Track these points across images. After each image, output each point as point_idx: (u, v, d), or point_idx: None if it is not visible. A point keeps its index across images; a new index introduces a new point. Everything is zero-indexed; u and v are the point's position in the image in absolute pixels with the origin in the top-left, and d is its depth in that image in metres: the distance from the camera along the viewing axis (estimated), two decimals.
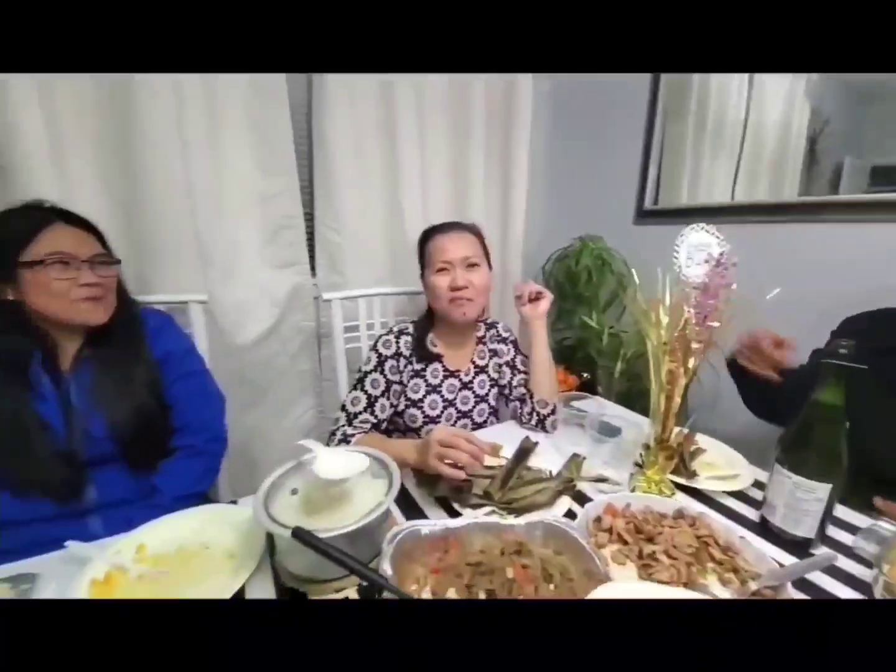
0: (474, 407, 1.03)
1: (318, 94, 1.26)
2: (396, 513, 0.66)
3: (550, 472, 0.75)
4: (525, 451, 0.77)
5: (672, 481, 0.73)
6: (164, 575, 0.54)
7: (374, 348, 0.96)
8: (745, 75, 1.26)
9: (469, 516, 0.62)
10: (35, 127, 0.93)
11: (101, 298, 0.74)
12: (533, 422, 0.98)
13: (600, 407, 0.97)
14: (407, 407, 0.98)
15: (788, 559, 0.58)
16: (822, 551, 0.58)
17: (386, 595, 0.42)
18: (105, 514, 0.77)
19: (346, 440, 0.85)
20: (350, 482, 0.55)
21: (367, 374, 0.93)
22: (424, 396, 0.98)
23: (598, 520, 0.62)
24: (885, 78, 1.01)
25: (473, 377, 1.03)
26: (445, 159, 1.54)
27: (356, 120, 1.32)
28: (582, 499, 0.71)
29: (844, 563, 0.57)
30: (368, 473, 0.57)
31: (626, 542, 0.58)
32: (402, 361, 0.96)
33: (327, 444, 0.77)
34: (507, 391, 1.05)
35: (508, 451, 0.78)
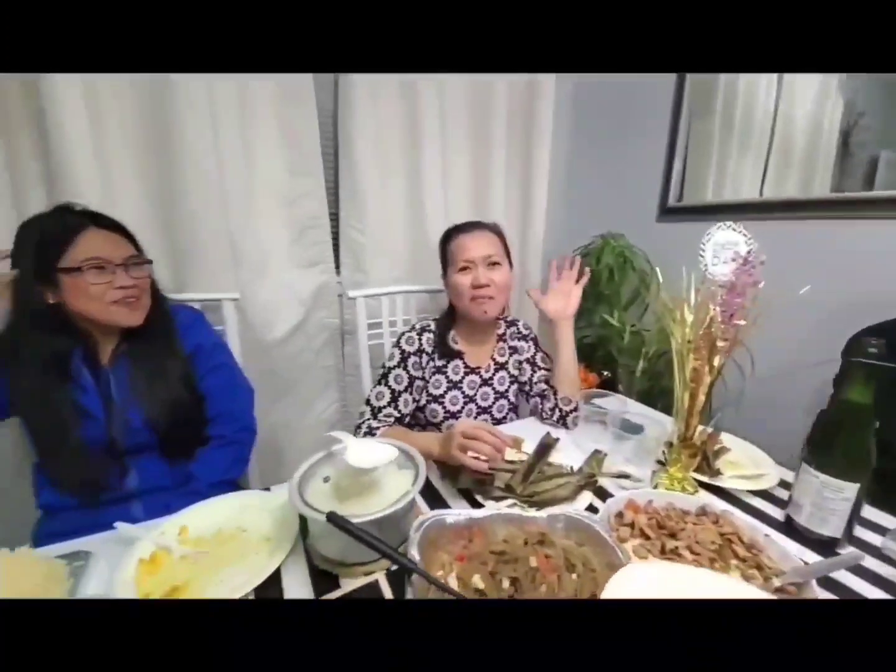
0: (494, 403, 1.05)
1: (344, 97, 1.29)
2: (421, 504, 0.68)
3: (571, 467, 0.76)
4: (546, 446, 0.78)
5: (696, 480, 0.73)
6: (205, 555, 0.57)
7: (397, 345, 0.98)
8: None
9: (492, 508, 0.64)
10: (80, 129, 0.98)
11: (136, 300, 0.78)
12: (554, 418, 0.99)
13: (622, 404, 0.97)
14: (428, 402, 1.00)
15: (814, 558, 0.58)
16: (848, 551, 0.58)
17: (414, 578, 0.44)
18: (145, 500, 0.81)
19: (371, 433, 0.88)
20: (378, 472, 0.57)
21: (390, 369, 0.96)
22: (445, 392, 1.00)
23: (620, 515, 0.63)
24: None
25: (493, 374, 1.05)
26: (467, 160, 1.55)
27: (380, 122, 1.34)
28: (603, 494, 0.71)
29: (872, 563, 0.56)
30: (395, 464, 0.60)
31: (648, 538, 0.59)
32: (425, 358, 0.98)
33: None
34: (527, 388, 1.07)
35: (529, 447, 0.79)
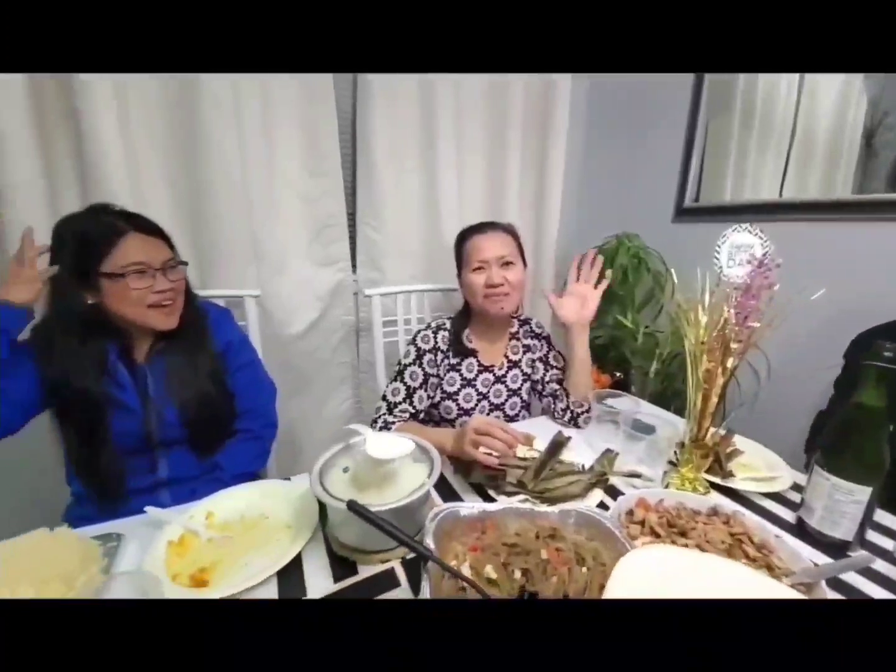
0: (507, 400, 1.06)
1: (362, 99, 1.32)
2: (435, 497, 0.70)
3: (583, 465, 0.77)
4: (558, 444, 0.79)
5: (708, 481, 0.74)
6: (230, 540, 0.60)
7: (413, 342, 1.00)
8: None
9: (504, 502, 0.65)
10: (111, 130, 1.02)
11: (172, 303, 0.80)
12: (566, 418, 1.00)
13: (635, 405, 0.97)
14: (442, 399, 1.02)
15: (825, 561, 0.58)
16: (859, 554, 0.58)
17: (430, 566, 0.46)
18: (172, 488, 0.85)
19: (386, 428, 0.90)
20: (395, 464, 0.59)
21: (406, 366, 0.98)
22: (459, 389, 1.02)
23: (631, 513, 0.64)
24: None
25: (506, 371, 1.06)
26: (482, 160, 1.57)
27: (397, 124, 1.37)
28: (614, 493, 0.72)
29: (883, 567, 0.56)
30: (411, 457, 0.62)
31: (658, 536, 0.59)
32: (440, 356, 1.00)
33: None
34: (539, 386, 1.08)
35: (541, 444, 0.80)
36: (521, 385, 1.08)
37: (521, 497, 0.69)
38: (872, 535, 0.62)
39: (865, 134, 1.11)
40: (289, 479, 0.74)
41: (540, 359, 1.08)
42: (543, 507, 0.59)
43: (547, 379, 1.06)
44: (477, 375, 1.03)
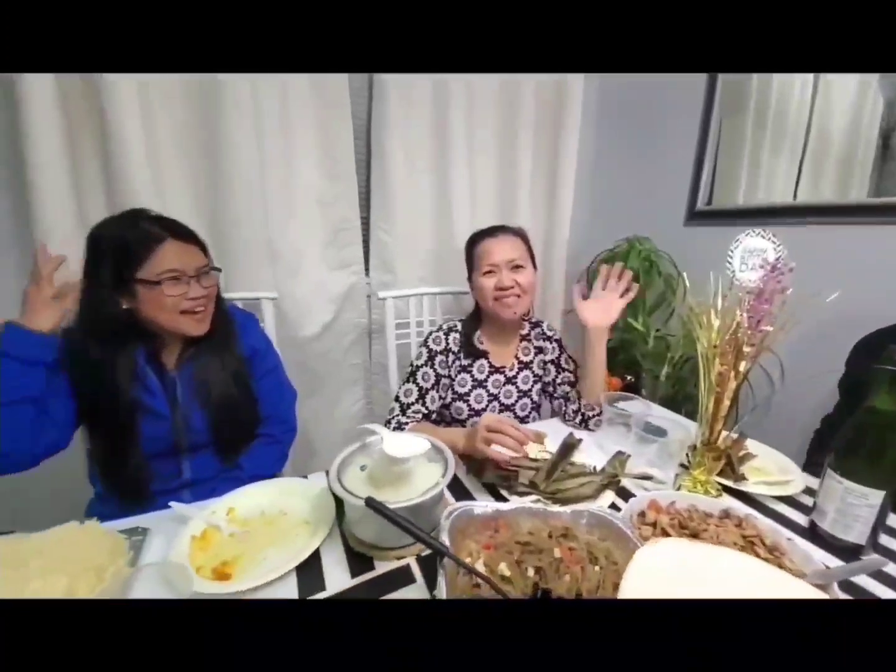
0: (517, 401, 1.07)
1: (377, 105, 1.34)
2: (448, 497, 0.71)
3: (594, 467, 0.78)
4: (570, 446, 0.80)
5: (720, 484, 0.74)
6: (250, 534, 0.62)
7: (424, 344, 1.02)
8: None
9: (517, 502, 0.66)
10: (135, 131, 1.06)
11: (204, 310, 0.80)
12: (577, 420, 1.00)
13: (646, 408, 0.98)
14: (454, 400, 1.03)
15: (837, 564, 0.58)
16: (871, 557, 0.58)
17: (445, 562, 0.48)
18: (194, 488, 0.86)
19: (400, 428, 0.92)
20: (410, 463, 0.61)
21: (418, 367, 0.99)
22: (470, 390, 1.03)
23: (642, 514, 0.64)
24: None
25: (517, 373, 1.07)
26: (494, 163, 1.59)
27: (411, 130, 1.40)
28: (625, 495, 0.73)
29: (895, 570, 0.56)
30: (425, 457, 0.63)
31: (669, 537, 0.60)
32: (451, 357, 1.02)
33: None
34: (550, 388, 1.09)
35: (552, 445, 0.81)
36: (532, 386, 1.09)
37: (534, 497, 0.70)
38: (885, 540, 0.62)
39: (882, 135, 1.10)
40: (305, 477, 0.76)
41: (552, 361, 1.09)
42: (556, 508, 0.60)
43: (559, 381, 1.07)
44: (488, 376, 1.04)
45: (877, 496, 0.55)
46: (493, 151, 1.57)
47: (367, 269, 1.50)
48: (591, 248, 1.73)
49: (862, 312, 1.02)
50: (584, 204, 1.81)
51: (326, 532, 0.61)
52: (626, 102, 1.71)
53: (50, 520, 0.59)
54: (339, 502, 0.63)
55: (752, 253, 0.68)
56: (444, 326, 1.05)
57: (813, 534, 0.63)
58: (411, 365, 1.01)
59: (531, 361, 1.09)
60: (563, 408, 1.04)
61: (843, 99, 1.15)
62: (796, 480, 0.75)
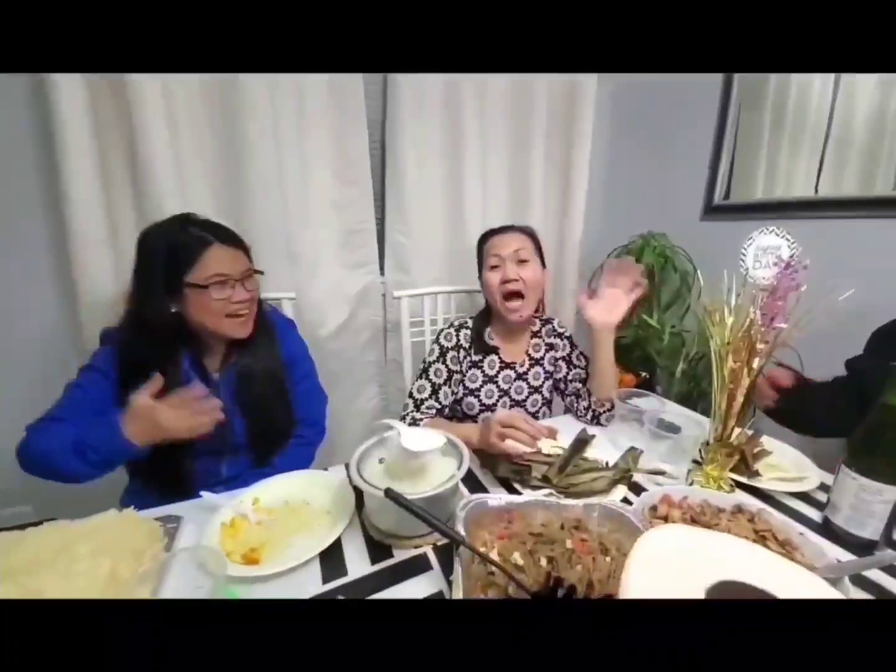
0: (528, 397, 1.09)
1: (391, 109, 1.37)
2: (463, 490, 0.73)
3: (607, 462, 0.79)
4: (582, 441, 0.81)
5: (733, 480, 0.74)
6: (275, 523, 0.65)
7: (436, 341, 1.04)
8: None
9: (530, 495, 0.68)
10: (161, 130, 1.10)
11: (248, 313, 0.81)
12: (588, 416, 1.01)
13: (660, 405, 0.98)
14: (465, 395, 1.05)
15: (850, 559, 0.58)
16: (885, 552, 0.58)
17: (461, 551, 0.50)
18: (228, 484, 0.89)
19: (415, 424, 0.94)
20: (427, 457, 0.63)
21: (430, 364, 1.02)
22: (481, 386, 1.05)
23: (654, 508, 0.65)
24: None
25: (528, 369, 1.08)
26: (506, 163, 1.60)
27: (425, 133, 1.42)
28: (638, 489, 0.74)
29: None
30: (441, 451, 0.65)
31: None
32: (462, 353, 1.04)
33: None
34: (562, 385, 1.10)
35: (565, 441, 0.82)
36: (543, 382, 1.10)
37: (546, 491, 0.72)
38: None
39: None
40: (326, 469, 0.80)
41: (563, 358, 1.10)
42: (568, 501, 0.62)
43: (570, 378, 1.08)
44: (498, 372, 1.06)
45: (892, 492, 0.55)
46: (506, 152, 1.58)
47: (381, 269, 1.53)
48: (606, 246, 1.72)
49: (885, 305, 1.00)
50: (598, 201, 1.80)
51: (347, 521, 0.64)
52: (642, 98, 1.69)
53: (87, 509, 0.63)
54: (358, 493, 0.66)
55: (766, 251, 0.68)
56: (456, 323, 1.07)
57: (826, 529, 0.63)
58: (424, 361, 1.04)
59: (542, 358, 1.10)
60: (575, 404, 1.05)
61: (868, 89, 1.13)
62: (811, 477, 0.75)
